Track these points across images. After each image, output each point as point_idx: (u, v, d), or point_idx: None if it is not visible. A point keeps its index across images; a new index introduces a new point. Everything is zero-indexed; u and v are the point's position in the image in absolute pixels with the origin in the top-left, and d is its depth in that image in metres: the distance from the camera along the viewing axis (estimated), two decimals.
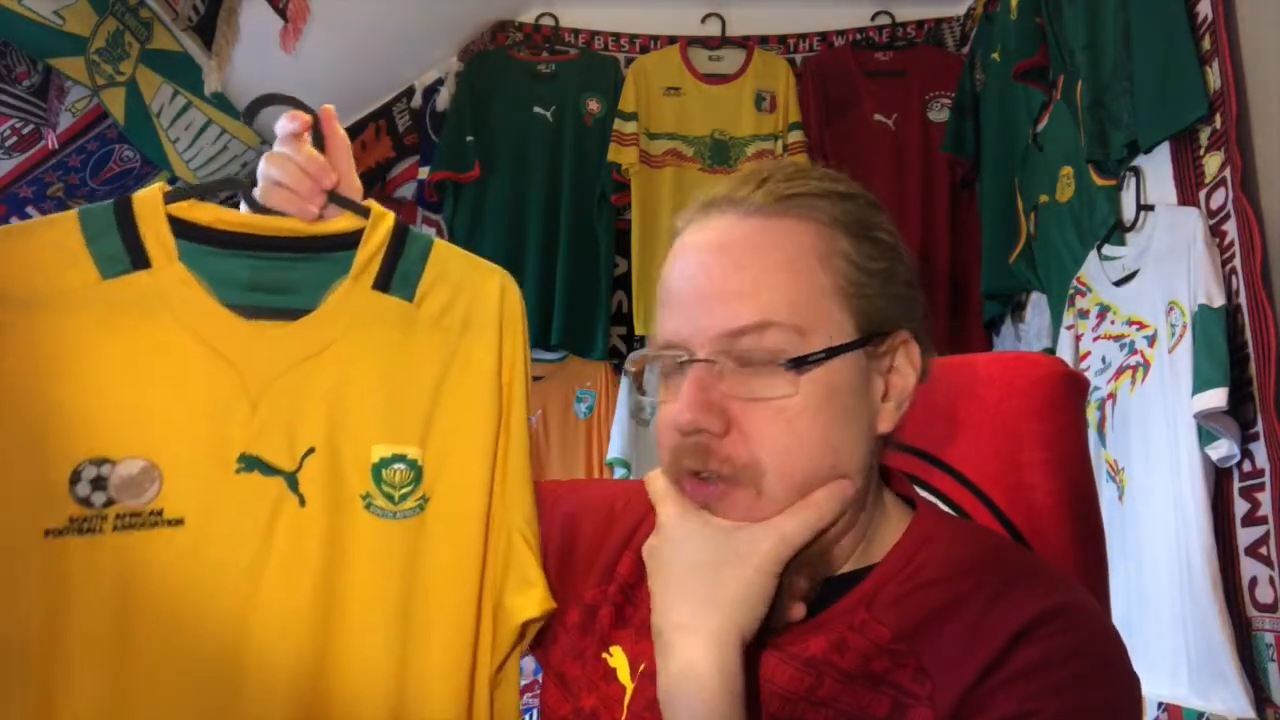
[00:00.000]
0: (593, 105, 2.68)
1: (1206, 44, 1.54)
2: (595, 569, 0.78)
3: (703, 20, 2.75)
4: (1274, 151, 1.41)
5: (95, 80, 2.02)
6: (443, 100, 2.69)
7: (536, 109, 2.66)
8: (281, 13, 2.24)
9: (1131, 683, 0.62)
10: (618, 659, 0.73)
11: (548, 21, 2.78)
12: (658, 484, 0.69)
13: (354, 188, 0.82)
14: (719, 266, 0.66)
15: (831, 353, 0.64)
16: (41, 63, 2.02)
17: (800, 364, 0.63)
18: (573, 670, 0.76)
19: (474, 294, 0.82)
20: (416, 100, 2.76)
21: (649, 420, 2.51)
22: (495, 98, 2.65)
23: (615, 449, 2.43)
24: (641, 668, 0.71)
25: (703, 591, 0.62)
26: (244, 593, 0.72)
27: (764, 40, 2.79)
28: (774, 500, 0.64)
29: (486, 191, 2.60)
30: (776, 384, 0.63)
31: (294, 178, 0.76)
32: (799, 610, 0.66)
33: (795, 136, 2.59)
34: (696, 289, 0.66)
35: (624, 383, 2.51)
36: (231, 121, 2.36)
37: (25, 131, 2.14)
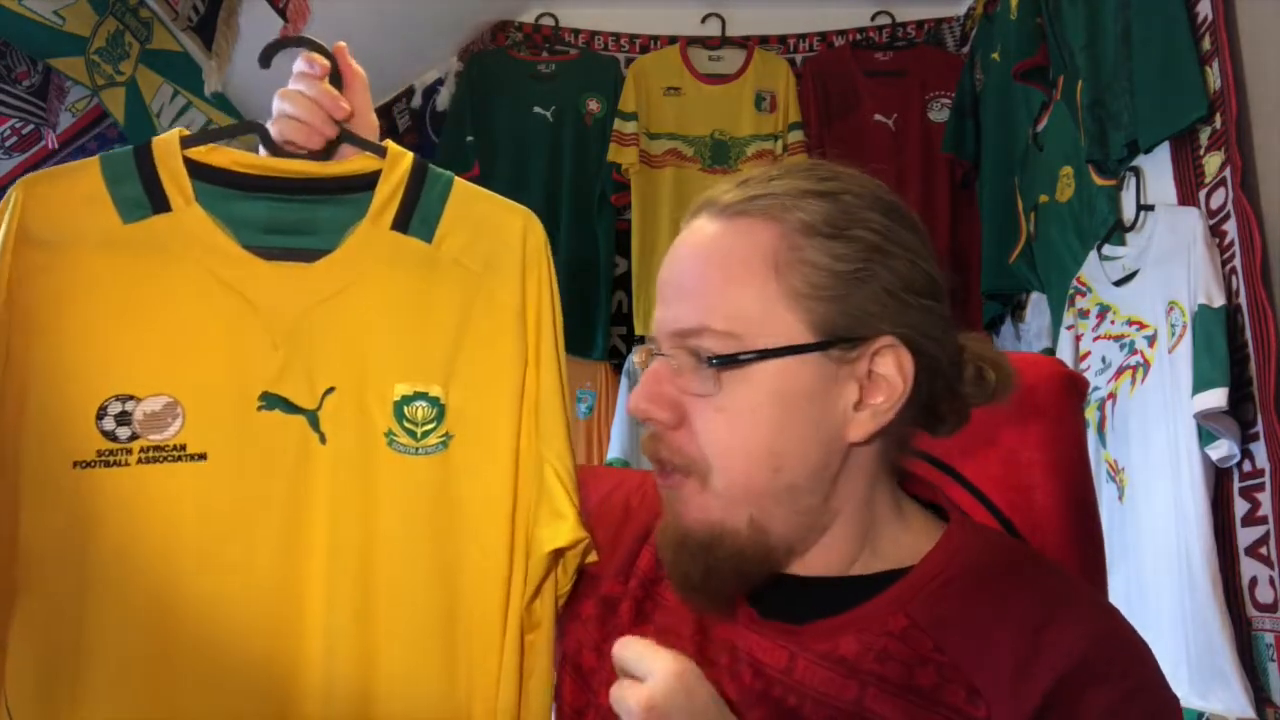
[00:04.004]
0: (593, 105, 2.68)
1: (1206, 44, 1.54)
2: (612, 562, 0.78)
3: (703, 20, 2.74)
4: (1274, 151, 1.41)
5: (95, 80, 2.02)
6: (443, 100, 2.69)
7: (536, 109, 2.66)
8: (281, 13, 2.24)
9: (1178, 708, 0.64)
10: None
11: (548, 21, 2.78)
12: (637, 648, 0.62)
13: (370, 124, 0.83)
14: (677, 267, 0.69)
15: (764, 355, 0.64)
16: (41, 63, 2.02)
17: (724, 362, 0.64)
18: (589, 661, 0.76)
19: (496, 233, 0.82)
20: (416, 100, 2.76)
21: None
22: (495, 98, 2.65)
23: (615, 449, 2.43)
24: None
25: None
26: (271, 525, 0.74)
27: (764, 40, 2.79)
28: (721, 496, 0.65)
29: None
30: (704, 382, 0.65)
31: (305, 109, 0.78)
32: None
33: (795, 136, 2.59)
34: (661, 287, 0.70)
35: (624, 383, 2.51)
36: (232, 121, 2.36)
37: (25, 131, 2.14)
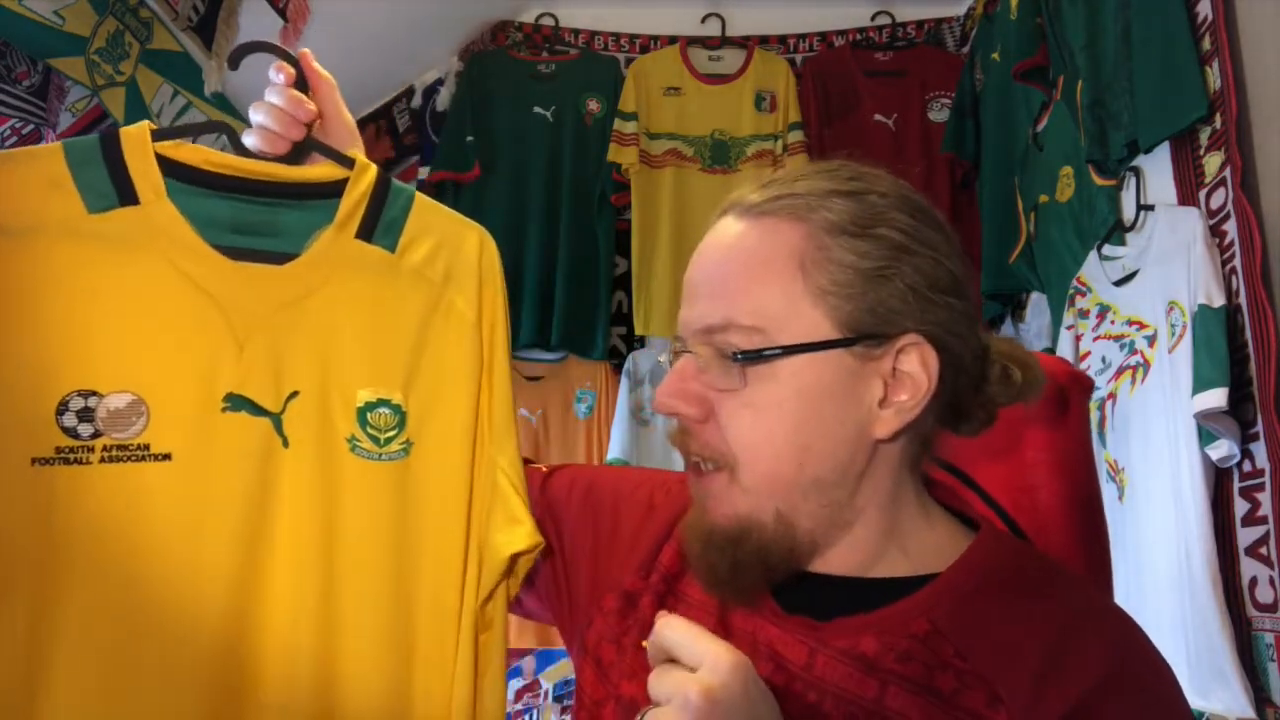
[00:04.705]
0: (593, 105, 2.68)
1: (1206, 44, 1.54)
2: (634, 557, 0.79)
3: (703, 20, 2.75)
4: (1274, 151, 1.41)
5: (95, 80, 2.02)
6: (443, 100, 2.69)
7: (536, 109, 2.66)
8: (281, 13, 2.24)
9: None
10: None
11: (548, 21, 2.78)
12: (682, 630, 0.60)
13: (344, 125, 0.84)
14: (703, 266, 0.70)
15: (789, 350, 0.65)
16: (41, 63, 2.02)
17: (748, 358, 0.65)
18: (609, 654, 0.77)
19: (455, 247, 0.84)
20: (416, 100, 2.76)
21: (649, 420, 2.51)
22: (495, 98, 2.65)
23: (615, 449, 2.43)
24: None
25: None
26: (235, 529, 0.73)
27: (764, 40, 2.79)
28: (748, 490, 0.66)
29: (486, 191, 2.60)
30: (730, 377, 0.66)
31: (271, 116, 0.80)
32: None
33: (795, 136, 2.59)
34: (687, 286, 0.70)
35: (624, 383, 2.51)
36: (232, 121, 2.36)
37: (25, 131, 2.14)
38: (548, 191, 2.61)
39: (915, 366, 0.66)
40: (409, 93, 2.79)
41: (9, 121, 2.10)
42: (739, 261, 0.67)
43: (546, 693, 2.48)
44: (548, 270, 2.55)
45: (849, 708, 0.63)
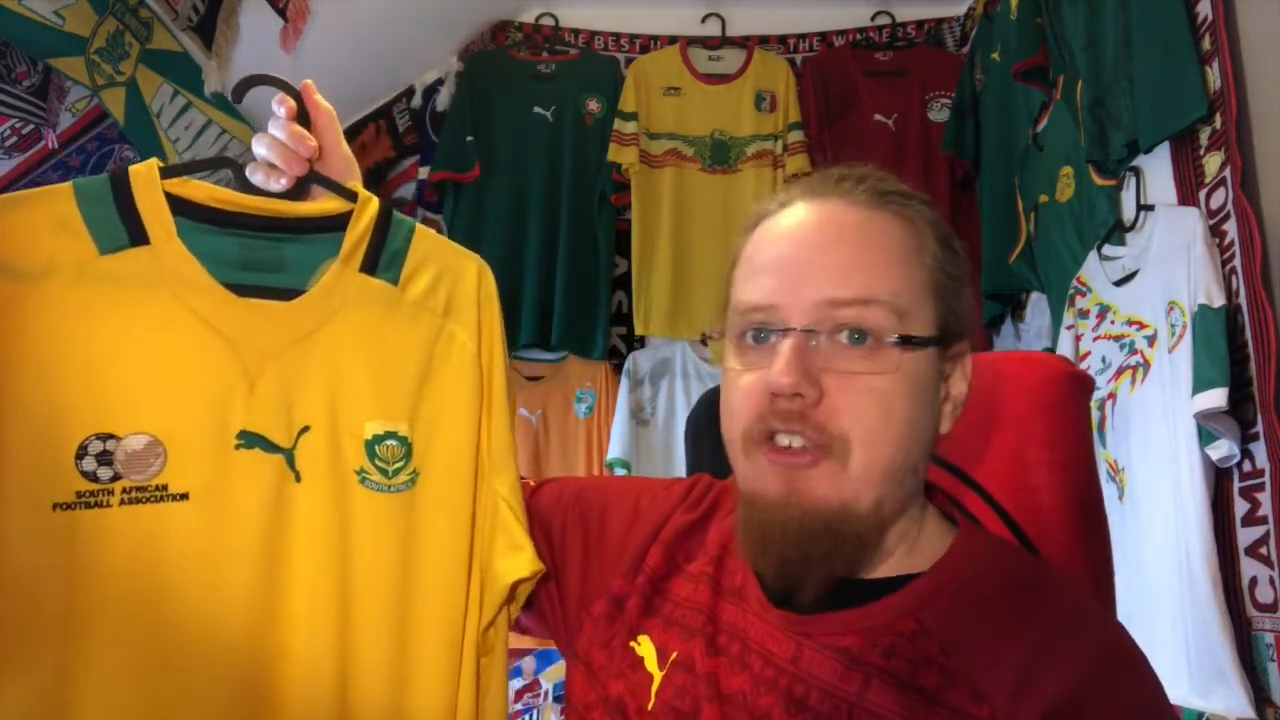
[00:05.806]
0: (593, 105, 2.68)
1: (1206, 44, 1.54)
2: (622, 562, 0.80)
3: (703, 20, 2.75)
4: (1274, 151, 1.41)
5: (95, 80, 2.02)
6: (443, 100, 2.69)
7: (536, 109, 2.66)
8: (281, 13, 2.24)
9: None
10: (645, 648, 0.74)
11: (548, 21, 2.78)
12: None
13: (343, 156, 0.85)
14: (828, 241, 0.68)
15: (926, 341, 0.67)
16: (41, 63, 2.03)
17: (908, 343, 0.66)
18: (599, 658, 0.77)
19: (455, 278, 0.85)
20: (416, 100, 2.76)
21: (649, 420, 2.51)
22: (495, 98, 2.65)
23: (615, 449, 2.43)
24: (673, 656, 0.72)
25: None
26: (254, 565, 0.73)
27: (764, 40, 2.79)
28: (856, 477, 0.65)
29: (486, 191, 2.60)
30: (879, 360, 0.65)
31: (274, 151, 0.80)
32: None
33: (795, 136, 2.59)
34: (799, 259, 0.68)
35: (624, 383, 2.51)
36: (231, 121, 2.36)
37: (25, 131, 2.14)
38: (548, 191, 2.61)
39: (961, 372, 0.71)
40: (409, 93, 2.79)
41: (9, 121, 2.11)
42: (870, 245, 0.68)
43: (546, 693, 2.48)
44: (548, 270, 2.55)
45: (833, 701, 0.64)
